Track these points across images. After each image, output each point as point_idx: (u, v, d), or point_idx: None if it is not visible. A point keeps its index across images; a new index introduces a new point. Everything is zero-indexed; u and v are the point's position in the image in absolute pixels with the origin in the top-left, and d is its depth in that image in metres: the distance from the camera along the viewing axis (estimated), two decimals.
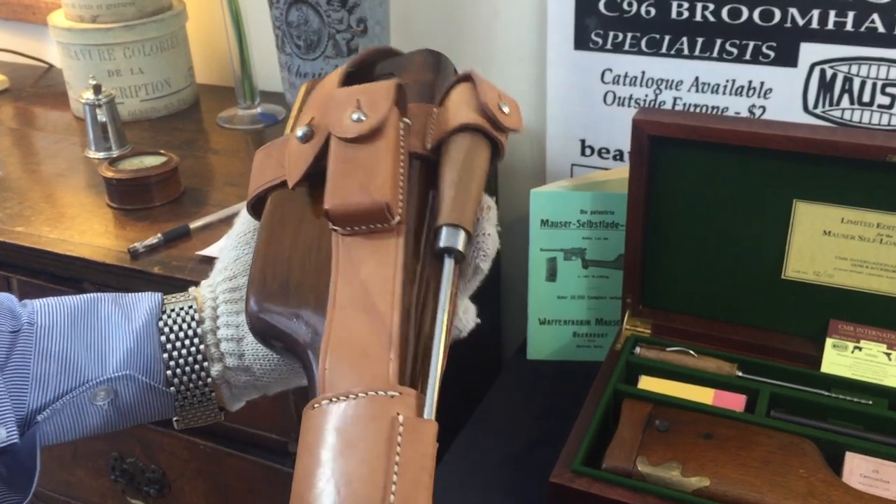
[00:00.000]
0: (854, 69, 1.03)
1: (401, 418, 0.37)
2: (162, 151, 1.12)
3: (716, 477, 0.77)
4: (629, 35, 1.12)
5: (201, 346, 0.50)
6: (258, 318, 0.44)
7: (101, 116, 1.20)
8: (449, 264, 0.44)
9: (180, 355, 0.50)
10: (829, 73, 1.05)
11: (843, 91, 1.05)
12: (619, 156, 1.20)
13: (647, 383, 0.90)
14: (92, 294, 0.52)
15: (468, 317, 0.52)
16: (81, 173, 1.18)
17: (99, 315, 0.50)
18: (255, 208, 0.50)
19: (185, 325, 0.50)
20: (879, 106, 1.04)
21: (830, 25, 1.02)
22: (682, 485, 0.77)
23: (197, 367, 0.50)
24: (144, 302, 0.51)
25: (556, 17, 1.15)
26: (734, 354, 0.91)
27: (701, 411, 0.85)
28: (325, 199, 0.44)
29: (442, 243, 0.44)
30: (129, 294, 0.52)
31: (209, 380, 0.50)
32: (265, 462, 1.04)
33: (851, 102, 1.05)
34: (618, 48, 1.13)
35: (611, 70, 1.15)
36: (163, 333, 0.50)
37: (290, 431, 1.00)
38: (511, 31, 1.24)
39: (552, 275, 1.07)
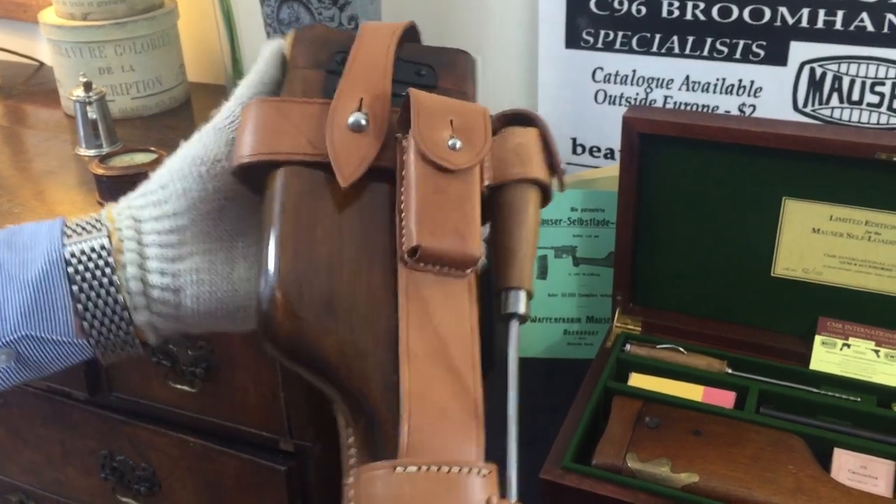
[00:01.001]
0: (843, 68, 1.04)
1: (494, 500, 0.36)
2: (152, 148, 1.11)
3: (705, 473, 0.77)
4: (620, 34, 1.12)
5: (119, 297, 0.43)
6: (289, 331, 0.37)
7: (92, 114, 1.20)
8: (516, 328, 0.42)
9: (96, 306, 0.43)
10: (818, 71, 1.05)
11: (832, 89, 1.05)
12: (609, 154, 1.20)
13: (638, 380, 0.90)
14: None
15: None
16: (72, 170, 1.18)
17: None
18: (248, 174, 0.42)
19: (98, 273, 0.43)
20: (868, 104, 1.05)
21: (820, 24, 1.02)
22: (672, 481, 0.77)
23: (116, 317, 0.43)
24: (43, 241, 0.43)
25: (548, 15, 1.15)
26: (724, 352, 0.92)
27: (691, 408, 0.85)
28: (412, 230, 0.39)
29: (510, 308, 0.42)
30: (26, 228, 0.44)
31: (131, 328, 0.44)
32: (256, 459, 1.03)
33: (841, 101, 1.06)
34: (609, 47, 1.14)
35: (602, 69, 1.16)
36: (73, 283, 0.42)
37: (281, 429, 1.00)
38: (502, 29, 1.24)
39: (543, 272, 1.07)
